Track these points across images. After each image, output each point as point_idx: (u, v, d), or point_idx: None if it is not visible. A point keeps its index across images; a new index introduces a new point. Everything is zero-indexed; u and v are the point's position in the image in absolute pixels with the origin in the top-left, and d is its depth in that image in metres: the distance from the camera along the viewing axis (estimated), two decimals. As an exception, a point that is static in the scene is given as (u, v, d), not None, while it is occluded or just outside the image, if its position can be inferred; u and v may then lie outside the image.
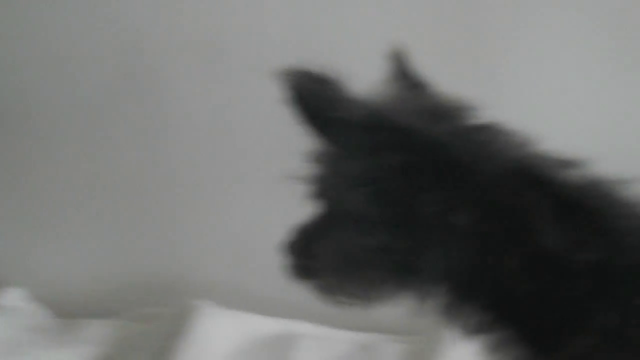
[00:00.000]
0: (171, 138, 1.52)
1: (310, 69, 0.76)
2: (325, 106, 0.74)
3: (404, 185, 0.76)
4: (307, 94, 0.75)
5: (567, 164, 0.79)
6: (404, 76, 0.88)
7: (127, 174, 1.56)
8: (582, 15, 1.36)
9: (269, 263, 0.94)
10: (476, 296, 0.78)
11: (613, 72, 1.39)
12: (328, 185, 0.83)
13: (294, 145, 0.83)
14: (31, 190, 1.60)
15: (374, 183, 0.77)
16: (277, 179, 0.88)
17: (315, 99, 0.74)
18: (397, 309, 0.84)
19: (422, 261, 0.77)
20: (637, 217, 0.75)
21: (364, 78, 0.83)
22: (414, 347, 1.40)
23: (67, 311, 1.58)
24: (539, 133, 0.77)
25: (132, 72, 1.49)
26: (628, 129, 1.41)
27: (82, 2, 1.46)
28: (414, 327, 1.36)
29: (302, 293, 0.92)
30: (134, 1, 1.45)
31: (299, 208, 0.88)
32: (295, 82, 0.74)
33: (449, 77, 0.82)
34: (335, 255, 0.83)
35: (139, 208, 1.58)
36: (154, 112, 1.51)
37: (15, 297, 1.53)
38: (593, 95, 1.40)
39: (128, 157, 1.55)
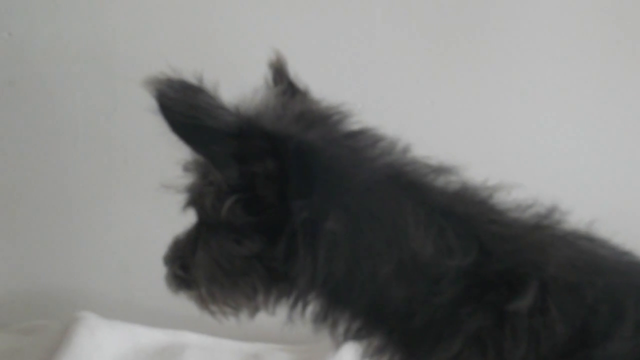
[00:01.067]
0: (54, 148, 1.48)
1: (176, 77, 0.75)
2: (191, 114, 0.73)
3: (274, 192, 0.75)
4: (172, 103, 0.73)
5: (440, 170, 0.79)
6: (281, 83, 0.88)
7: (10, 183, 1.52)
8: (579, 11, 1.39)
9: (154, 273, 0.93)
10: (345, 303, 0.78)
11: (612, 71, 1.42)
12: (200, 194, 0.82)
13: (177, 155, 0.82)
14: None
15: (244, 191, 0.76)
16: (160, 189, 0.87)
17: (180, 108, 0.73)
18: (283, 318, 0.84)
19: (295, 268, 0.76)
20: (506, 223, 0.76)
21: (246, 85, 0.84)
22: (301, 355, 1.40)
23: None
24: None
25: (16, 80, 1.45)
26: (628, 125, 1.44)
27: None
28: (301, 335, 1.36)
29: (188, 303, 0.91)
30: (16, 8, 1.40)
31: (183, 218, 0.88)
32: (159, 90, 0.73)
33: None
34: (208, 265, 0.82)
35: (23, 218, 1.54)
36: (37, 121, 1.47)
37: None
38: (591, 93, 1.42)
39: (11, 167, 1.50)
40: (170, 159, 0.82)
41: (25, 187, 1.51)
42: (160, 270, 0.93)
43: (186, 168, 0.83)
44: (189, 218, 0.88)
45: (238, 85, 0.80)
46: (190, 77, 0.77)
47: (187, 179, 0.85)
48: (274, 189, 0.75)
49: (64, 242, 1.55)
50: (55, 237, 1.54)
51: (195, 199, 0.83)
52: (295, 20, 1.37)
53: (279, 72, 0.88)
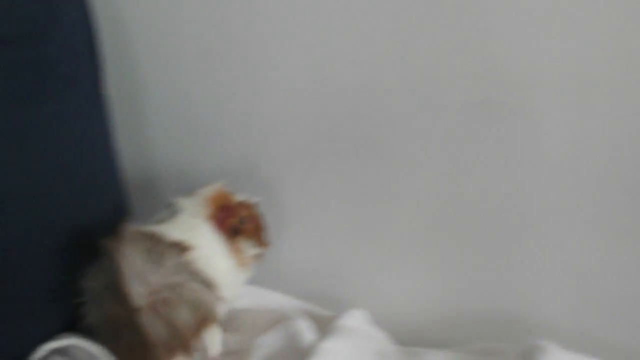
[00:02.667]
0: (520, 170, 1.48)
1: None
2: None
3: None
4: None
5: None
6: None
7: (474, 204, 1.54)
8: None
9: (618, 308, 0.87)
10: None
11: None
12: None
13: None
14: (383, 213, 1.63)
15: None
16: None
17: None
18: None
19: None
20: None
21: None
22: None
23: (405, 338, 1.58)
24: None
25: (488, 100, 1.46)
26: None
27: (450, 29, 1.45)
28: None
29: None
30: (497, 29, 1.42)
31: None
32: None
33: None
34: None
35: (484, 240, 1.56)
36: (506, 143, 1.47)
37: (358, 319, 1.54)
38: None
39: (476, 188, 1.53)
40: None
41: (492, 208, 1.53)
42: (624, 305, 0.87)
43: None
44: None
45: None
46: None
47: None
48: None
49: (523, 267, 1.54)
50: (515, 261, 1.54)
51: None
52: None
53: None
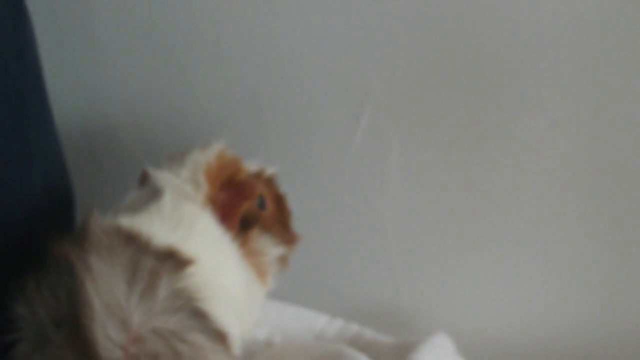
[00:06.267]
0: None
1: None
2: None
3: None
4: None
5: None
6: None
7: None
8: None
9: None
10: None
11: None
12: None
13: None
14: (460, 235, 1.35)
15: None
16: None
17: None
18: None
19: None
20: None
21: None
22: None
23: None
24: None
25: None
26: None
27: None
28: None
29: None
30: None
31: None
32: None
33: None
34: None
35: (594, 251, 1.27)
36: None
37: (445, 350, 1.15)
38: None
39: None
40: None
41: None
42: None
43: None
44: None
45: None
46: None
47: None
48: None
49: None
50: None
51: None
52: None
53: None
